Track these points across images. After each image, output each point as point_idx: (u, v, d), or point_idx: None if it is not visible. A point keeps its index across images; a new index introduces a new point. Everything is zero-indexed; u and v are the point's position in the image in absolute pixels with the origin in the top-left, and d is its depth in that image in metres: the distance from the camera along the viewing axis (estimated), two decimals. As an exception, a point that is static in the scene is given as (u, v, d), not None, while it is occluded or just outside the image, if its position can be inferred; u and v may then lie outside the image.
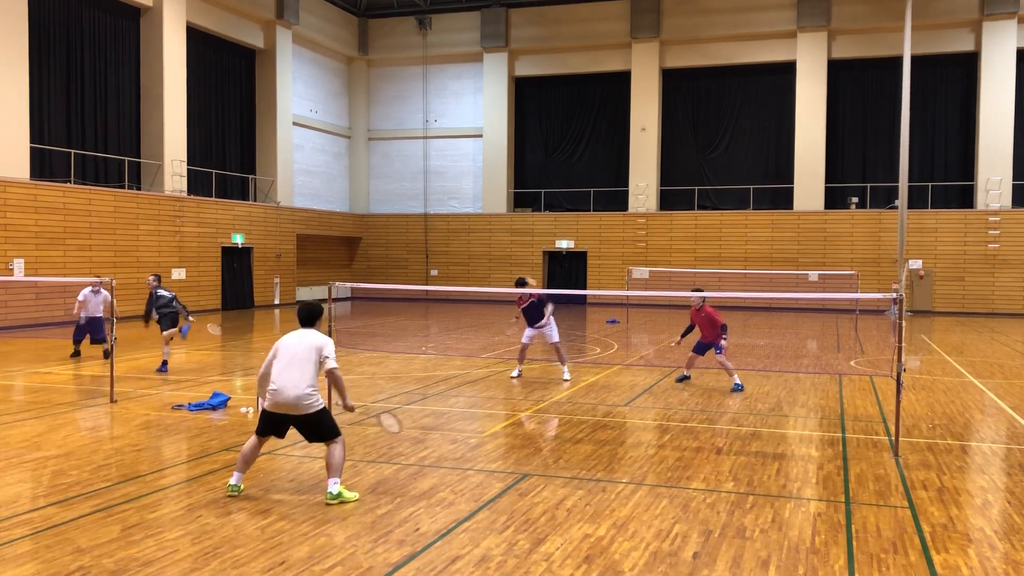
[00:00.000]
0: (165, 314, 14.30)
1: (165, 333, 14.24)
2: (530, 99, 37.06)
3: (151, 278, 14.79)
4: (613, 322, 26.01)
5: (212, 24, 29.81)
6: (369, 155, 38.91)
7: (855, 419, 10.35)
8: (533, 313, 13.42)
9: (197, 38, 29.36)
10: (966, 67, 32.04)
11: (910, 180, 29.28)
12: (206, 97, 30.23)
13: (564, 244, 35.34)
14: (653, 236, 34.14)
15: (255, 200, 32.41)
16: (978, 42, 31.17)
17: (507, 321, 23.31)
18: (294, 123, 33.99)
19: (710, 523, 6.25)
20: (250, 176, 32.56)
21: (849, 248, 31.96)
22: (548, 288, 33.27)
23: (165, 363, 14.12)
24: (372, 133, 38.79)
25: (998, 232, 30.66)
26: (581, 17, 35.08)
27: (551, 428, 9.96)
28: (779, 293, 31.57)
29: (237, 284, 30.59)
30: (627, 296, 32.17)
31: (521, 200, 36.96)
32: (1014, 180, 30.87)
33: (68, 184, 24.21)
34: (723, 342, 12.57)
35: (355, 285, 13.22)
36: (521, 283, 13.50)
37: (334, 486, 6.65)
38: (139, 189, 27.24)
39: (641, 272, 32.59)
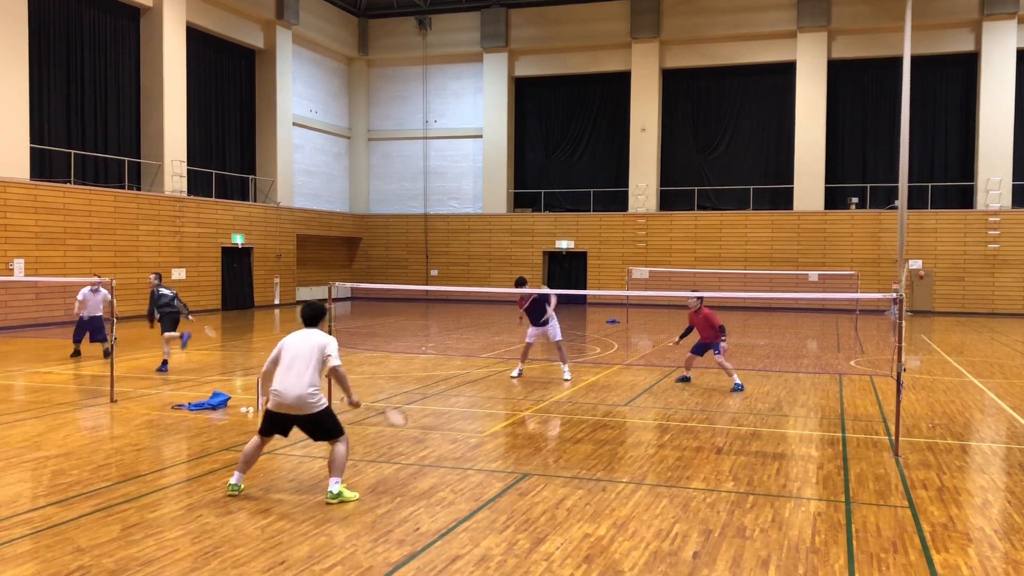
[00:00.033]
0: (167, 313, 14.30)
1: (166, 334, 14.23)
2: (530, 99, 37.06)
3: (152, 276, 14.78)
4: (613, 322, 26.01)
5: (212, 24, 29.81)
6: (369, 155, 38.91)
7: (855, 419, 10.35)
8: (537, 311, 13.43)
9: (197, 38, 29.36)
10: (966, 67, 32.04)
11: (910, 180, 29.27)
12: (206, 97, 30.23)
13: (564, 244, 35.34)
14: (653, 236, 34.14)
15: (255, 200, 32.42)
16: (978, 42, 31.17)
17: (513, 321, 23.35)
18: (294, 123, 33.99)
19: (710, 523, 6.25)
20: (250, 176, 32.56)
21: (849, 248, 31.96)
22: (549, 288, 33.24)
23: (165, 363, 14.12)
24: (372, 133, 38.79)
25: (998, 232, 30.66)
26: (581, 17, 35.08)
27: (551, 428, 9.95)
28: (779, 293, 31.57)
29: (237, 284, 30.59)
30: (627, 296, 32.17)
31: (521, 200, 36.97)
32: (1014, 180, 30.86)
33: (68, 184, 24.21)
34: (723, 344, 12.59)
35: (355, 285, 13.23)
36: (521, 283, 13.51)
37: (335, 485, 6.65)
38: (139, 189, 27.24)
39: (641, 272, 32.59)
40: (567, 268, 35.30)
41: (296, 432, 7.02)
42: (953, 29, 31.56)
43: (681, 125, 35.15)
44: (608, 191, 35.60)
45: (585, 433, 9.46)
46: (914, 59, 28.51)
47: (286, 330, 23.18)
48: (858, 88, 33.08)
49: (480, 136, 36.84)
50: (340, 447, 6.76)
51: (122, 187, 26.33)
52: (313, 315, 7.12)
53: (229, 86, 31.50)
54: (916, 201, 31.26)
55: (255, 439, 6.95)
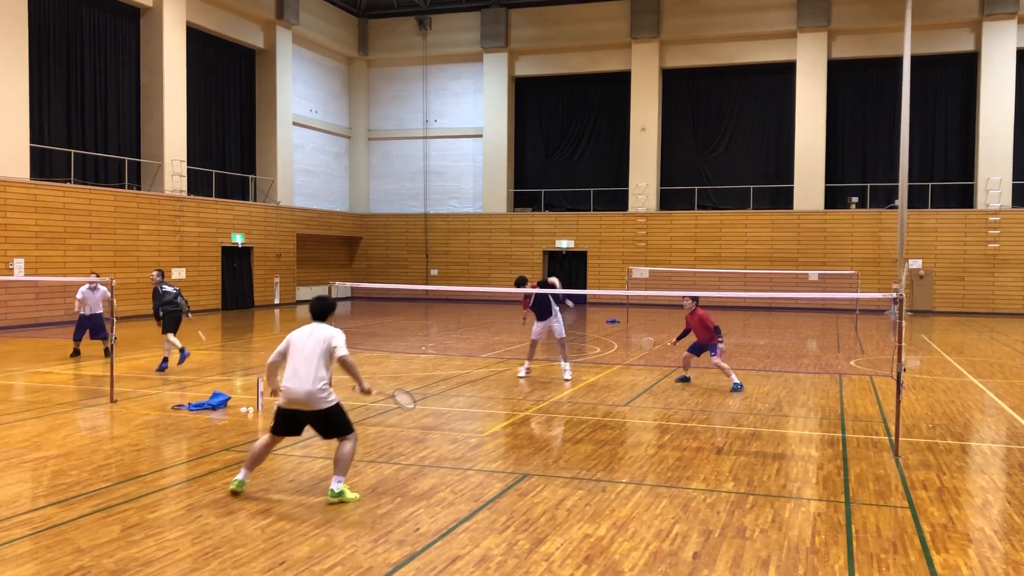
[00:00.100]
0: (169, 312, 14.28)
1: (168, 336, 14.20)
2: (530, 99, 37.06)
3: (155, 273, 14.76)
4: (613, 322, 26.01)
5: (212, 24, 29.81)
6: (369, 155, 38.91)
7: (855, 419, 10.35)
8: (542, 307, 13.46)
9: (197, 38, 29.36)
10: (966, 67, 32.04)
11: (910, 180, 29.27)
12: (206, 97, 30.23)
13: (564, 244, 35.34)
14: (653, 236, 34.14)
15: (255, 200, 32.41)
16: (978, 42, 31.17)
17: (514, 321, 23.32)
18: (294, 123, 33.99)
19: (710, 523, 6.25)
20: (250, 176, 32.56)
21: (849, 248, 31.96)
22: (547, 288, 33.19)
23: (165, 360, 14.12)
24: (372, 133, 38.79)
25: (998, 232, 30.66)
26: (581, 17, 35.08)
27: (551, 428, 9.95)
28: (779, 293, 31.58)
29: (237, 284, 30.59)
30: (627, 296, 32.17)
31: (521, 200, 36.97)
32: (1014, 180, 30.87)
33: (68, 184, 24.21)
34: (720, 345, 12.60)
35: (355, 285, 13.25)
36: (521, 282, 13.53)
37: (337, 484, 6.65)
38: (139, 189, 27.24)
39: (641, 272, 32.59)
40: (567, 268, 35.29)
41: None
42: (953, 29, 31.56)
43: (681, 125, 35.14)
44: (608, 191, 35.60)
45: (585, 433, 9.46)
46: (914, 59, 28.51)
47: (286, 330, 23.16)
48: (858, 88, 33.08)
49: (480, 136, 36.84)
50: (347, 445, 6.75)
51: (122, 187, 26.33)
52: (323, 310, 7.11)
53: (229, 86, 31.50)
54: (916, 201, 31.26)
55: (265, 437, 6.96)
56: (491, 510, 6.54)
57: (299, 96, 34.54)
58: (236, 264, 30.50)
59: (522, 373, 13.67)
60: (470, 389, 12.55)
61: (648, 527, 6.15)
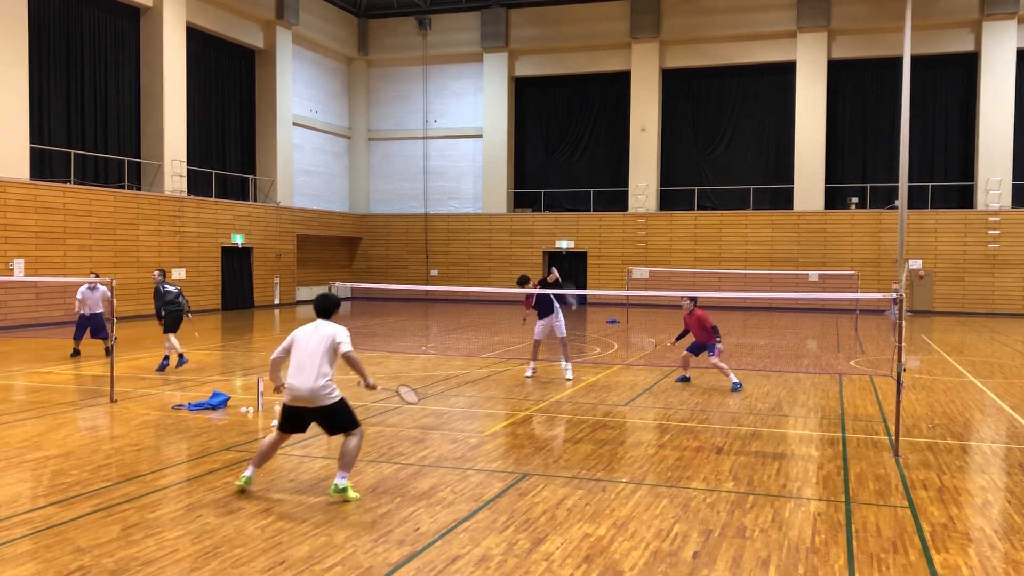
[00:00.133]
0: (171, 312, 14.28)
1: (169, 336, 14.20)
2: (530, 99, 37.07)
3: (156, 273, 14.75)
4: (613, 322, 26.01)
5: (212, 24, 29.81)
6: (369, 155, 38.91)
7: (855, 419, 10.35)
8: (544, 305, 13.45)
9: (197, 38, 29.36)
10: (966, 67, 32.04)
11: (910, 180, 29.26)
12: (206, 97, 30.23)
13: (564, 244, 35.34)
14: (653, 236, 34.14)
15: (255, 200, 32.42)
16: (978, 42, 31.17)
17: (514, 321, 23.31)
18: (294, 123, 33.99)
19: (710, 523, 6.25)
20: (250, 176, 32.56)
21: (849, 248, 31.96)
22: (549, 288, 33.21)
23: (167, 359, 14.11)
24: (372, 133, 38.79)
25: (998, 232, 30.66)
26: (581, 17, 35.08)
27: (551, 428, 9.96)
28: (779, 293, 31.59)
29: (237, 284, 30.59)
30: (627, 296, 32.17)
31: (521, 200, 36.97)
32: (1014, 180, 30.87)
33: (68, 184, 24.21)
34: (718, 345, 12.61)
35: (355, 285, 13.25)
36: (523, 281, 13.52)
37: (341, 480, 6.65)
38: (139, 189, 27.24)
39: (641, 272, 32.60)
40: (567, 268, 35.28)
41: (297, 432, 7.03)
42: (953, 29, 31.56)
43: (681, 125, 35.15)
44: (608, 191, 35.60)
45: (585, 433, 9.46)
46: (914, 59, 28.50)
47: (286, 330, 23.18)
48: (858, 88, 33.08)
49: (480, 136, 36.84)
50: (353, 441, 6.76)
51: (122, 187, 26.33)
52: (327, 307, 7.11)
53: (229, 86, 31.50)
54: (916, 201, 31.26)
55: (273, 435, 6.98)
56: (491, 510, 6.54)
57: (299, 96, 34.54)
58: (236, 264, 30.49)
59: (529, 373, 13.67)
60: (470, 389, 12.55)
61: (648, 527, 6.15)
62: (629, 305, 31.11)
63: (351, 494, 6.69)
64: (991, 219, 30.71)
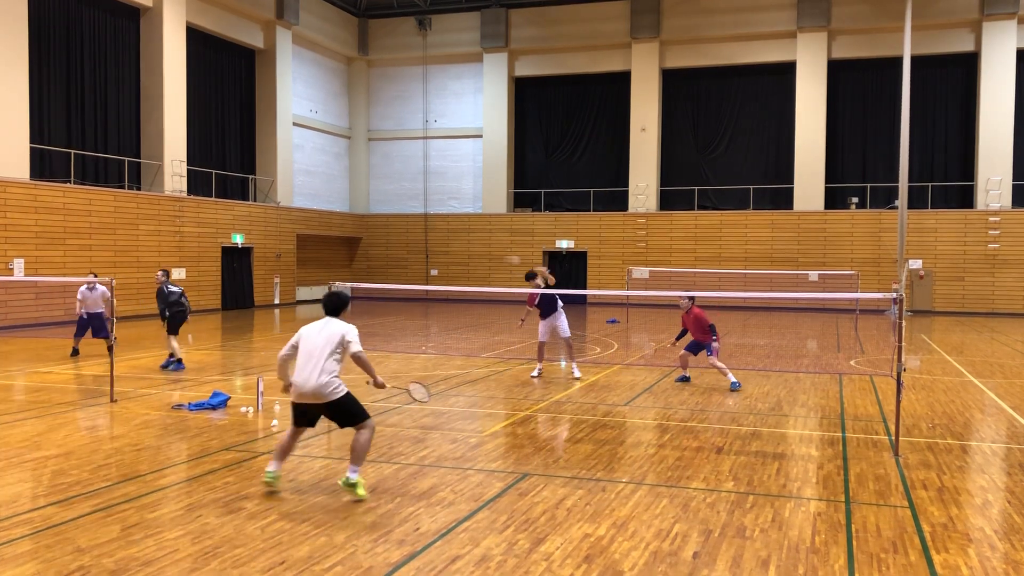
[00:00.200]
0: (175, 313, 14.27)
1: (172, 338, 14.18)
2: (530, 99, 37.07)
3: (160, 273, 14.74)
4: (613, 322, 26.01)
5: (212, 24, 29.81)
6: (369, 155, 38.91)
7: (855, 419, 10.35)
8: (548, 305, 13.42)
9: (197, 38, 29.36)
10: (966, 67, 32.05)
11: (910, 180, 29.27)
12: (206, 97, 30.24)
13: (564, 244, 35.34)
14: (653, 236, 34.14)
15: (255, 200, 32.42)
16: (978, 42, 31.17)
17: (514, 321, 23.31)
18: (294, 123, 34.00)
19: (710, 523, 6.25)
20: (250, 176, 32.56)
21: (849, 248, 31.96)
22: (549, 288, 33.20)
23: (171, 356, 14.10)
24: (372, 133, 38.80)
25: (998, 232, 30.66)
26: (581, 17, 35.08)
27: (551, 428, 9.95)
28: (779, 293, 31.60)
29: (237, 284, 30.60)
30: (627, 296, 32.17)
31: (521, 200, 36.97)
32: (1014, 180, 30.87)
33: (68, 184, 24.21)
34: (715, 344, 12.60)
35: (355, 285, 13.25)
36: (531, 276, 13.49)
37: (353, 473, 6.65)
38: (139, 189, 27.25)
39: (641, 272, 32.60)
40: (567, 268, 35.29)
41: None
42: (953, 29, 31.57)
43: (681, 125, 35.15)
44: (608, 191, 35.61)
45: (585, 433, 9.47)
46: (914, 59, 28.51)
47: (286, 330, 23.19)
48: (858, 88, 33.08)
49: (480, 136, 36.84)
50: (364, 434, 6.76)
51: (122, 187, 26.33)
52: (336, 305, 7.08)
53: (229, 86, 31.51)
54: (916, 201, 31.27)
55: (289, 429, 7.02)
56: (491, 510, 6.54)
57: (299, 96, 34.55)
58: (236, 264, 30.50)
59: (535, 374, 13.63)
60: (470, 389, 12.55)
61: (648, 527, 6.15)
62: (629, 305, 31.12)
63: (360, 491, 6.68)
64: (991, 219, 30.71)
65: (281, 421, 9.97)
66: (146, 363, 15.02)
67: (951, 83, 32.38)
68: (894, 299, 8.59)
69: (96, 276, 15.11)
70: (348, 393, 6.81)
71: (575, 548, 5.70)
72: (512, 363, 15.34)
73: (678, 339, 13.41)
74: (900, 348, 8.47)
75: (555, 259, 35.61)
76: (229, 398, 11.00)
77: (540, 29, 35.77)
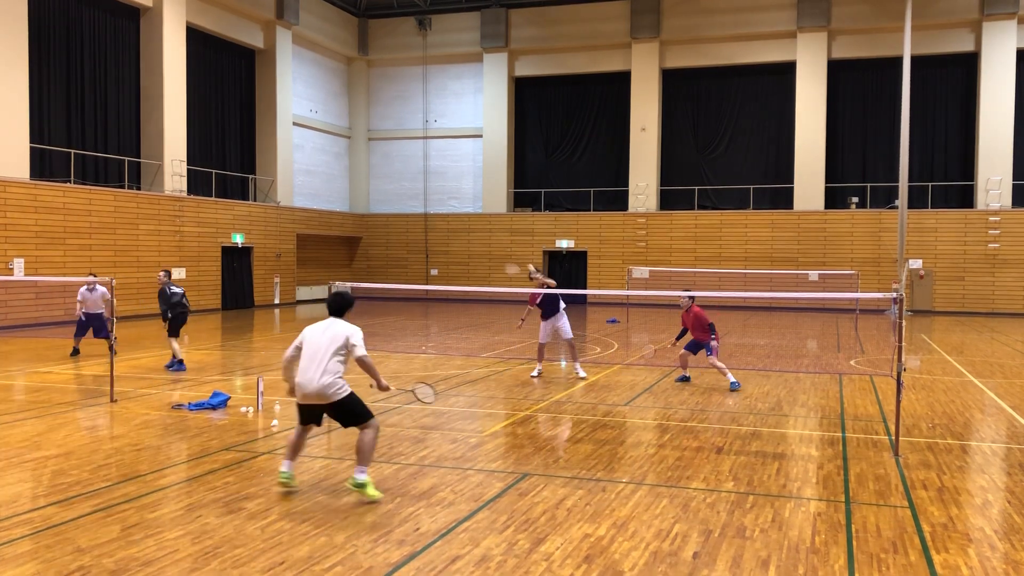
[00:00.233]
0: (178, 314, 14.26)
1: (173, 339, 14.18)
2: (530, 99, 37.07)
3: (162, 274, 14.72)
4: (613, 322, 26.02)
5: (212, 24, 29.81)
6: (369, 155, 38.91)
7: (855, 419, 10.35)
8: (549, 305, 13.38)
9: (197, 38, 29.36)
10: (966, 67, 32.04)
11: (910, 180, 29.27)
12: (206, 97, 30.24)
13: (564, 244, 35.34)
14: (653, 236, 34.14)
15: (255, 200, 32.42)
16: (978, 42, 31.17)
17: (513, 321, 23.31)
18: (294, 123, 33.99)
19: (710, 523, 6.25)
20: (250, 176, 32.56)
21: (849, 248, 31.96)
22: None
23: (174, 357, 14.09)
24: (372, 133, 38.80)
25: (998, 232, 30.66)
26: (581, 17, 35.08)
27: (551, 428, 9.96)
28: (779, 293, 31.59)
29: (237, 284, 30.60)
30: (627, 296, 32.17)
31: (521, 200, 36.97)
32: (1014, 180, 30.87)
33: (68, 184, 24.21)
34: (714, 343, 12.59)
35: (355, 285, 13.22)
36: (535, 273, 13.45)
37: (360, 474, 6.64)
38: (139, 189, 27.25)
39: (641, 272, 32.60)
40: (567, 268, 35.30)
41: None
42: (953, 29, 31.56)
43: (681, 125, 35.15)
44: (608, 191, 35.61)
45: (585, 433, 9.47)
46: (914, 59, 28.51)
47: (286, 329, 23.20)
48: (858, 88, 33.08)
49: (480, 136, 36.84)
50: (368, 434, 6.75)
51: (122, 187, 26.33)
52: (341, 306, 7.07)
53: (229, 86, 31.51)
54: (916, 201, 31.27)
55: (297, 428, 7.02)
56: (491, 510, 6.54)
57: (299, 96, 34.55)
58: (236, 264, 30.50)
59: (535, 374, 13.62)
60: (470, 389, 12.55)
61: (648, 527, 6.15)
62: (629, 305, 31.12)
63: (371, 491, 6.65)
64: (991, 219, 30.71)
65: (281, 421, 9.97)
66: (146, 363, 15.02)
67: (951, 83, 32.38)
68: (894, 299, 8.59)
69: (95, 276, 15.09)
70: (352, 393, 6.81)
71: (575, 548, 5.70)
72: (512, 363, 15.34)
73: (678, 339, 13.41)
74: (900, 348, 8.47)
75: (555, 259, 35.62)
76: (229, 398, 11.00)
77: (540, 29, 35.77)
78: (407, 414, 10.38)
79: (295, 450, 7.02)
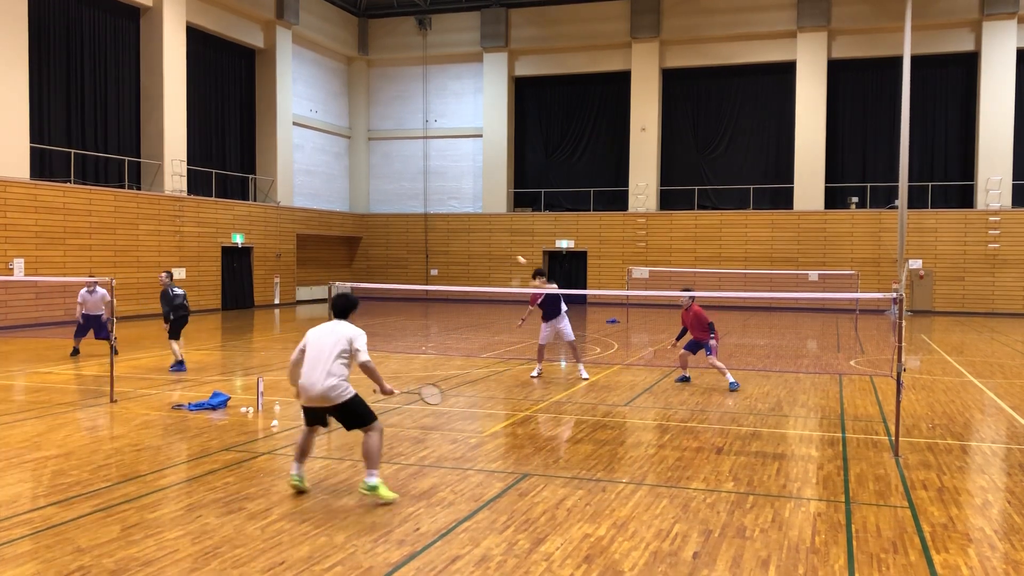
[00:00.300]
0: (180, 316, 14.25)
1: (173, 341, 14.17)
2: (530, 99, 37.07)
3: (163, 275, 14.71)
4: (613, 322, 26.01)
5: (212, 24, 29.81)
6: (369, 155, 38.91)
7: (855, 419, 10.35)
8: (551, 306, 13.35)
9: (197, 38, 29.36)
10: (966, 67, 32.04)
11: (910, 180, 29.27)
12: (206, 97, 30.23)
13: (564, 244, 35.34)
14: (653, 236, 34.14)
15: (255, 200, 32.42)
16: (978, 42, 31.17)
17: (513, 321, 23.33)
18: (294, 123, 33.99)
19: (710, 523, 6.25)
20: (250, 176, 32.56)
21: (849, 248, 31.96)
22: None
23: (177, 359, 14.10)
24: (372, 133, 38.80)
25: (998, 232, 30.66)
26: (581, 17, 35.08)
27: (551, 428, 9.96)
28: (779, 293, 31.61)
29: (237, 284, 30.60)
30: (627, 296, 32.17)
31: (521, 200, 36.97)
32: (1014, 180, 30.87)
33: (68, 184, 24.21)
34: (713, 342, 12.58)
35: (355, 285, 13.24)
36: (539, 273, 13.42)
37: (371, 478, 6.64)
38: (139, 189, 27.24)
39: (641, 272, 32.60)
40: (567, 268, 35.30)
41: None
42: (953, 29, 31.56)
43: (681, 125, 35.15)
44: (608, 191, 35.61)
45: (585, 433, 9.47)
46: (914, 59, 28.51)
47: (286, 330, 23.20)
48: (858, 88, 33.08)
49: (480, 136, 36.84)
50: (373, 437, 6.74)
51: (122, 187, 26.33)
52: (345, 307, 7.06)
53: (229, 86, 31.50)
54: (916, 201, 31.27)
55: (303, 430, 7.01)
56: (491, 510, 6.54)
57: (299, 96, 34.55)
58: (236, 264, 30.50)
59: (534, 374, 13.61)
60: (470, 389, 12.55)
61: (648, 527, 6.15)
62: (629, 305, 31.12)
63: (384, 492, 6.64)
64: (991, 219, 30.71)
65: (281, 421, 9.97)
66: (146, 363, 15.02)
67: (951, 83, 32.38)
68: (894, 299, 8.59)
69: (94, 277, 15.08)
70: (356, 395, 6.80)
71: (575, 548, 5.70)
72: (512, 363, 15.34)
73: (678, 339, 13.40)
74: (900, 348, 8.47)
75: (555, 259, 35.62)
76: (229, 398, 11.00)
77: (540, 29, 35.77)
78: (407, 414, 10.38)
79: (303, 452, 7.01)
